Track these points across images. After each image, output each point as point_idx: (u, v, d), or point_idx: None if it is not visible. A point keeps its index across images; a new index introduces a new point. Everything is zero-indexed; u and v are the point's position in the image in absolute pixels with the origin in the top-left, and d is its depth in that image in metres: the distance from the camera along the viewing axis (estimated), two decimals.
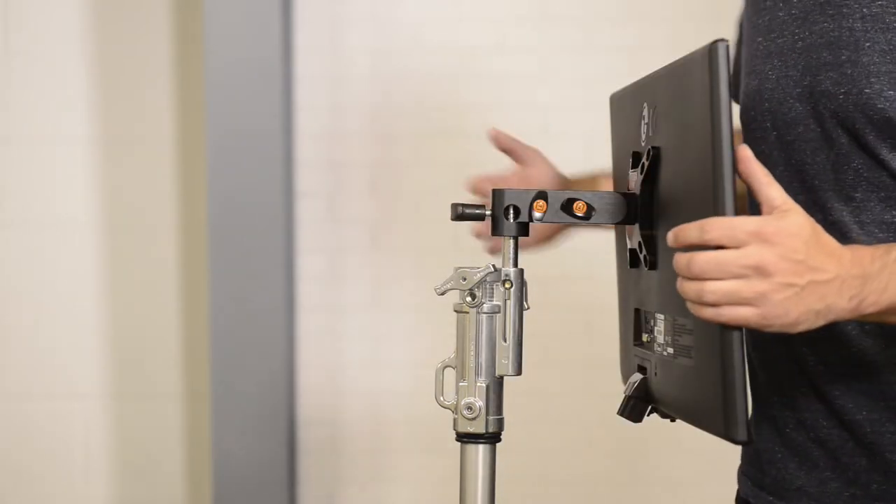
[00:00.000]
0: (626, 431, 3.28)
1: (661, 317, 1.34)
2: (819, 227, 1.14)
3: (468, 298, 1.35)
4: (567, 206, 1.36)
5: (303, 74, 3.17)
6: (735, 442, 1.15)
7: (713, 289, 1.12)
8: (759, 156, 1.36)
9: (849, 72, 1.28)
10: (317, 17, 3.18)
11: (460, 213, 1.39)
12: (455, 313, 1.37)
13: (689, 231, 1.14)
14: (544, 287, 3.09)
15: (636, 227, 1.36)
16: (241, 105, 3.04)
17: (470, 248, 3.20)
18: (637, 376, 1.40)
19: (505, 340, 1.36)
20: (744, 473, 1.48)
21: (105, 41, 3.21)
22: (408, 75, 3.18)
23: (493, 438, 1.36)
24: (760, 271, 1.11)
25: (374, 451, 3.23)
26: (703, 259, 1.12)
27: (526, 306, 1.37)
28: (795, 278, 1.11)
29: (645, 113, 1.36)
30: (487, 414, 1.35)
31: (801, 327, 1.14)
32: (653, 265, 1.33)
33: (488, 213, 1.37)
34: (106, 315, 3.25)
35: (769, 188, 1.15)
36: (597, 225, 1.40)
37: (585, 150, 3.14)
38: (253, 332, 3.07)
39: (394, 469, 3.24)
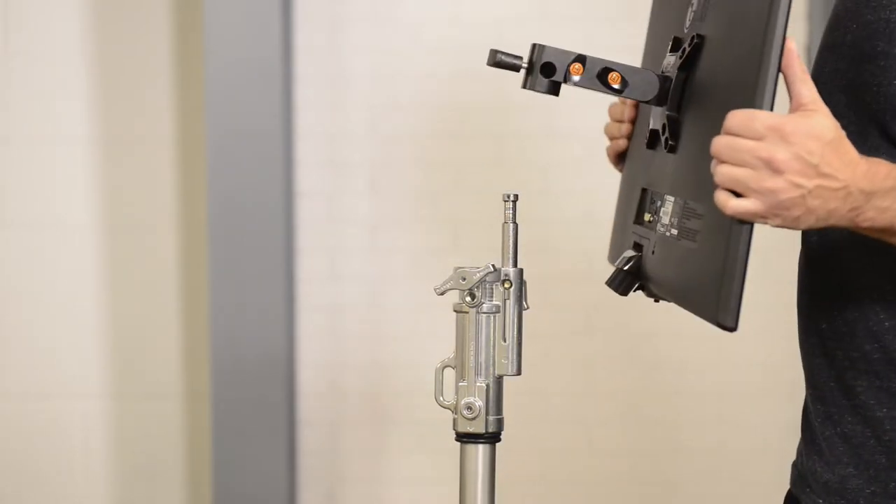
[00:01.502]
0: (626, 431, 3.28)
1: (672, 199, 1.33)
2: (842, 133, 1.15)
3: (468, 298, 1.36)
4: (602, 76, 1.36)
5: (303, 74, 3.17)
6: (723, 327, 1.16)
7: (722, 171, 1.14)
8: None
9: (882, 63, 1.28)
10: (317, 17, 3.18)
11: (498, 60, 1.39)
12: (455, 313, 1.37)
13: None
14: (544, 287, 3.09)
15: (663, 108, 1.35)
16: (241, 105, 3.04)
17: (470, 248, 3.21)
18: (631, 252, 1.40)
19: (505, 340, 1.36)
20: (793, 464, 1.49)
21: (105, 41, 3.21)
22: (408, 75, 3.18)
23: (492, 438, 1.37)
24: (771, 166, 1.12)
25: (374, 451, 3.23)
26: (720, 142, 1.14)
27: (525, 306, 1.38)
28: (804, 180, 1.13)
29: (695, 0, 1.36)
30: (487, 414, 1.36)
31: (803, 226, 1.16)
32: (672, 149, 1.33)
33: (525, 65, 1.37)
34: (106, 315, 3.25)
35: (802, 85, 1.16)
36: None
37: (585, 149, 3.14)
38: (253, 332, 3.06)
39: (394, 469, 3.24)
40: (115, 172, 3.23)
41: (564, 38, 3.20)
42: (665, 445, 3.20)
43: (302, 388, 3.20)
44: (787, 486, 1.52)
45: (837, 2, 1.39)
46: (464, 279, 1.36)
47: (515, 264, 1.37)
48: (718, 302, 1.15)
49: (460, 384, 1.36)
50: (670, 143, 1.32)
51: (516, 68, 1.38)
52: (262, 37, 3.03)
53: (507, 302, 1.36)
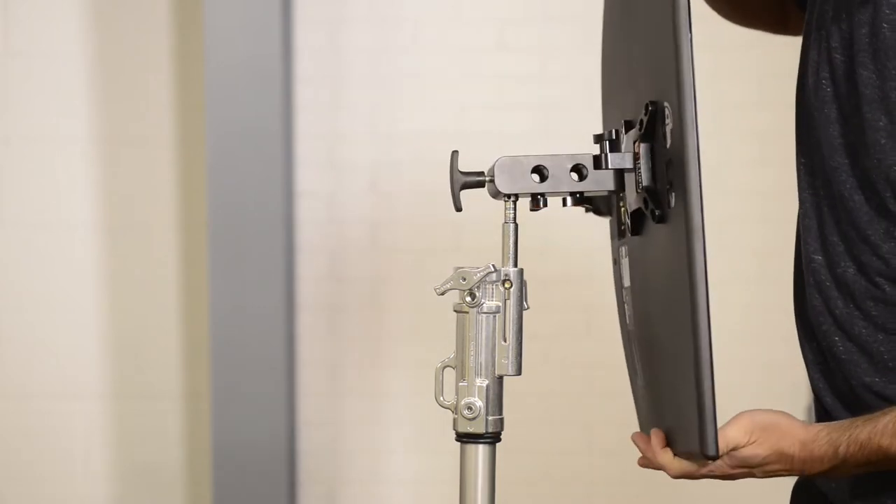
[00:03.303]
0: (626, 431, 3.27)
1: (631, 313, 1.37)
2: (763, 450, 1.29)
3: (468, 298, 1.35)
4: (564, 203, 1.39)
5: (303, 74, 3.17)
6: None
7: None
8: (808, 152, 1.38)
9: (883, 142, 1.28)
10: (317, 17, 3.17)
11: (463, 182, 1.40)
12: (455, 313, 1.37)
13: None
14: (544, 287, 3.09)
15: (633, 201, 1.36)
16: (241, 105, 3.03)
17: (470, 248, 3.20)
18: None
19: (505, 340, 1.36)
20: None
21: (105, 41, 3.21)
22: (408, 75, 3.18)
23: (493, 438, 1.36)
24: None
25: (374, 451, 3.23)
26: (677, 477, 1.34)
27: (526, 306, 1.37)
28: (751, 476, 1.33)
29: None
30: (487, 414, 1.35)
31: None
32: (661, 218, 1.33)
33: (489, 179, 1.37)
34: (106, 315, 3.25)
35: (731, 439, 1.30)
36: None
37: (585, 149, 3.13)
38: (253, 332, 3.06)
39: (394, 469, 3.23)
40: (115, 172, 3.23)
41: (564, 38, 3.21)
42: None
43: (302, 388, 3.20)
44: (786, 486, 1.52)
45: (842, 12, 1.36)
46: (464, 279, 1.36)
47: (516, 264, 1.37)
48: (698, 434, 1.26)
49: (460, 384, 1.36)
50: (657, 213, 1.30)
51: (481, 185, 1.39)
52: (262, 37, 3.03)
53: (508, 302, 1.36)
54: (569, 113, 3.16)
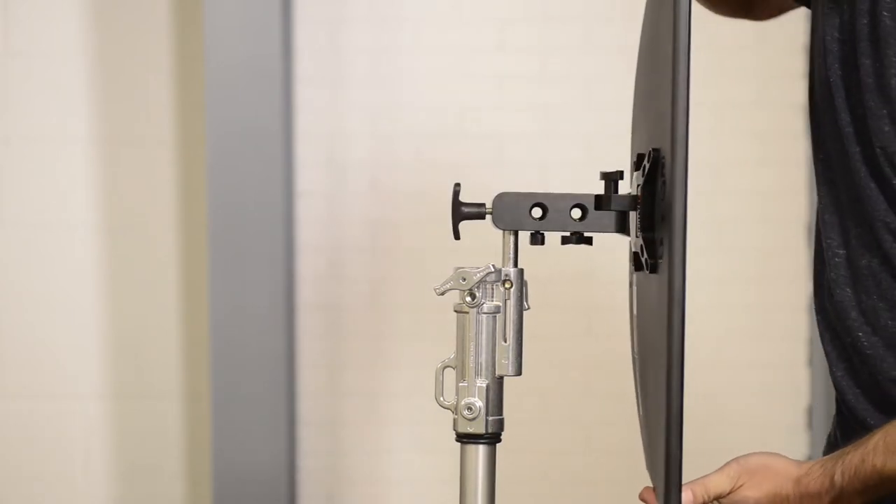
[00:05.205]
0: (625, 431, 3.27)
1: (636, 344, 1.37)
2: (765, 481, 1.28)
3: (468, 298, 1.35)
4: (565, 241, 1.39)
5: (303, 74, 3.17)
6: None
7: None
8: (822, 145, 1.37)
9: (886, 129, 1.29)
10: (317, 17, 3.17)
11: (463, 214, 1.40)
12: (455, 313, 1.37)
13: None
14: (544, 287, 3.08)
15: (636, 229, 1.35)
16: (241, 105, 3.03)
17: (470, 249, 3.20)
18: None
19: (505, 340, 1.36)
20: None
21: (105, 41, 3.21)
22: (408, 75, 3.18)
23: (492, 439, 1.36)
24: None
25: (374, 451, 3.23)
26: None
27: (526, 306, 1.37)
28: None
29: None
30: (487, 414, 1.35)
31: None
32: (653, 268, 1.32)
33: (489, 211, 1.38)
34: (106, 315, 3.25)
35: (712, 486, 1.32)
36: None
37: (585, 150, 3.14)
38: (253, 332, 3.06)
39: (394, 469, 3.23)
40: (115, 172, 3.23)
41: (564, 38, 3.21)
42: None
43: (302, 388, 3.20)
44: None
45: (836, 31, 1.36)
46: (464, 279, 1.36)
47: (516, 264, 1.37)
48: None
49: (460, 385, 1.36)
50: (650, 263, 1.29)
51: (481, 216, 1.39)
52: (262, 37, 3.03)
53: (508, 302, 1.36)
54: (569, 113, 3.16)
